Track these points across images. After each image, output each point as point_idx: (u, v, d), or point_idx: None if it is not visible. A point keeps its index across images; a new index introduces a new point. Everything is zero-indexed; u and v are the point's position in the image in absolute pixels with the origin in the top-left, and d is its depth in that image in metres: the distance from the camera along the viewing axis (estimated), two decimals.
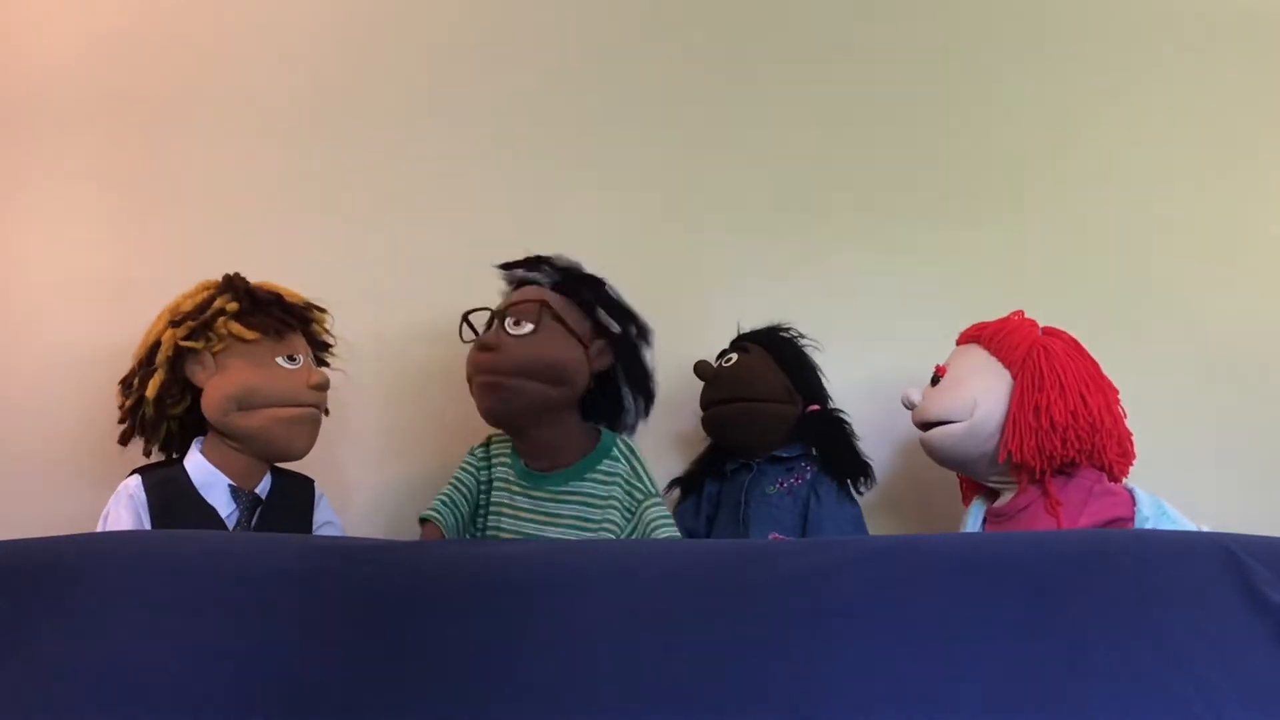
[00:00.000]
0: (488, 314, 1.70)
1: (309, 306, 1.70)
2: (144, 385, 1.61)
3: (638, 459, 1.69)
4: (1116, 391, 1.65)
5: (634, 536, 1.64)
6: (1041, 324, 1.69)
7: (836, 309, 1.96)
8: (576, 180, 2.02)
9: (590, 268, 1.73)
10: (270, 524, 1.59)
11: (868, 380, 1.92)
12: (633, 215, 2.02)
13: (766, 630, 1.18)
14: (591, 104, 2.05)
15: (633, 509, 1.66)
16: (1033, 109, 2.08)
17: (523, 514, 1.66)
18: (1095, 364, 1.65)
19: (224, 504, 1.58)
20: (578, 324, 1.67)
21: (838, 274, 2.01)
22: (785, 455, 1.76)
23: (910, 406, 1.70)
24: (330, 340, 1.75)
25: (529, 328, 1.63)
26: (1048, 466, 1.59)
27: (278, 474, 1.66)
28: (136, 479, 1.59)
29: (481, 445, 1.75)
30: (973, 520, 1.69)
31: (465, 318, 1.71)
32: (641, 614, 1.20)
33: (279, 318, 1.63)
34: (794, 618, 1.19)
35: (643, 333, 1.72)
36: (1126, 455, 1.64)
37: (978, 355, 1.68)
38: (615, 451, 1.69)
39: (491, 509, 1.68)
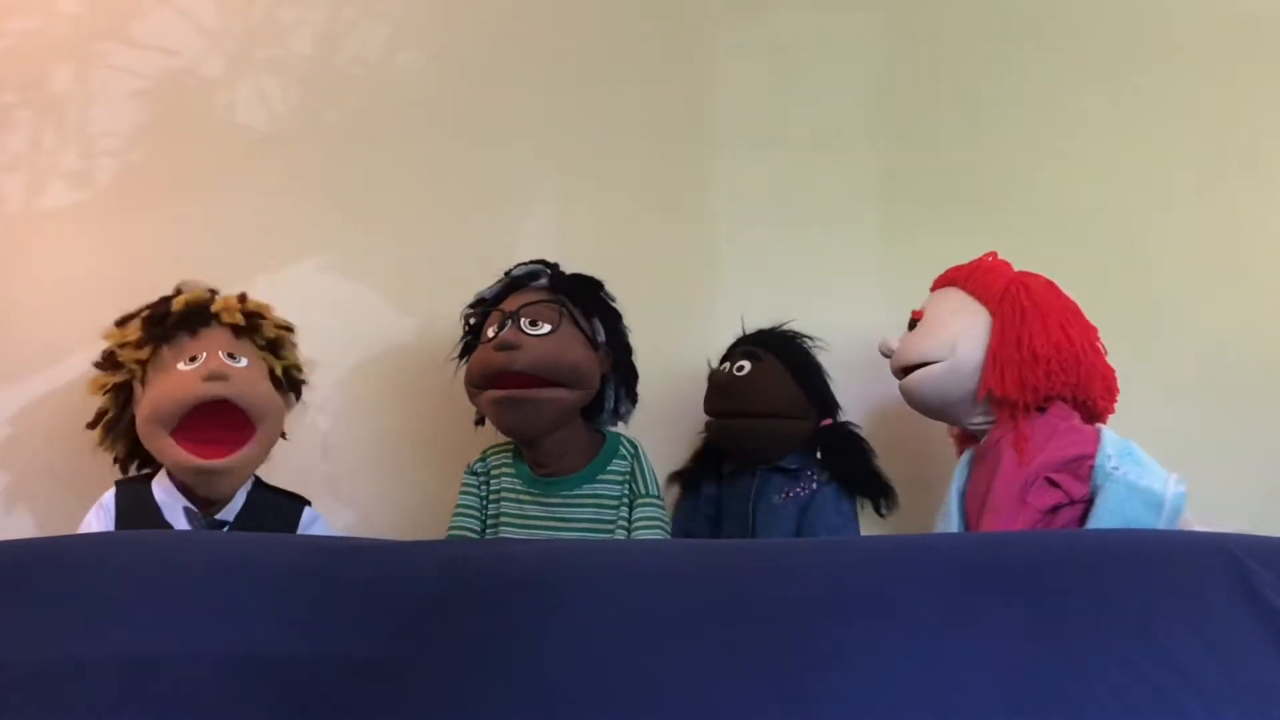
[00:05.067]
0: (484, 312, 1.69)
1: (208, 301, 1.60)
2: (95, 423, 1.61)
3: (641, 458, 1.71)
4: (1095, 330, 1.65)
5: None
6: None
7: (838, 309, 1.94)
8: (573, 182, 2.02)
9: (589, 266, 1.73)
10: None
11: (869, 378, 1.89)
12: (631, 214, 2.01)
13: (768, 631, 1.17)
14: (590, 104, 2.04)
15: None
16: (1033, 110, 2.06)
17: (534, 522, 1.66)
18: (1074, 303, 1.65)
19: (183, 526, 1.53)
20: (587, 327, 1.68)
21: (838, 273, 2.00)
22: (791, 466, 1.72)
23: (888, 353, 1.69)
24: (261, 320, 1.64)
25: (547, 328, 1.63)
26: (1031, 400, 1.59)
27: (258, 493, 1.60)
28: (112, 491, 1.58)
29: (479, 460, 1.73)
30: (960, 468, 1.68)
31: (466, 318, 1.70)
32: (642, 614, 1.19)
33: (169, 327, 1.56)
34: (795, 618, 1.18)
35: (627, 335, 1.74)
36: (1111, 391, 1.65)
37: (955, 296, 1.69)
38: (622, 450, 1.70)
39: (499, 521, 1.67)
